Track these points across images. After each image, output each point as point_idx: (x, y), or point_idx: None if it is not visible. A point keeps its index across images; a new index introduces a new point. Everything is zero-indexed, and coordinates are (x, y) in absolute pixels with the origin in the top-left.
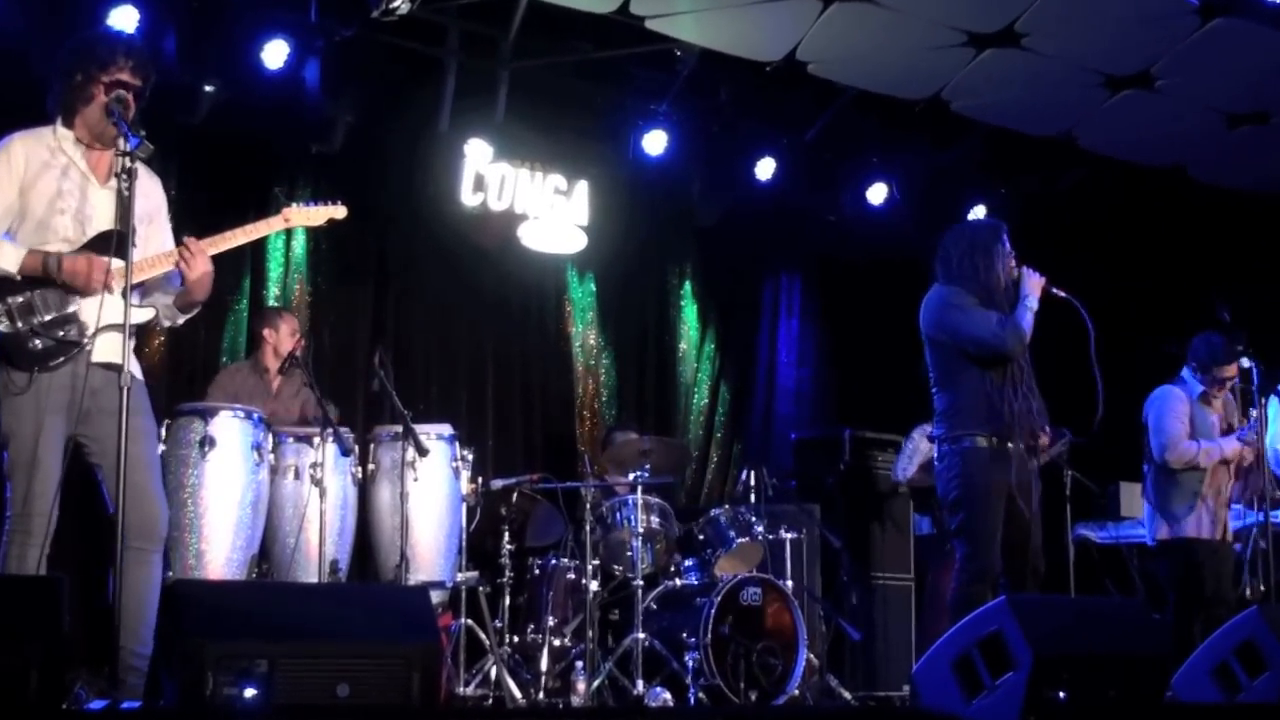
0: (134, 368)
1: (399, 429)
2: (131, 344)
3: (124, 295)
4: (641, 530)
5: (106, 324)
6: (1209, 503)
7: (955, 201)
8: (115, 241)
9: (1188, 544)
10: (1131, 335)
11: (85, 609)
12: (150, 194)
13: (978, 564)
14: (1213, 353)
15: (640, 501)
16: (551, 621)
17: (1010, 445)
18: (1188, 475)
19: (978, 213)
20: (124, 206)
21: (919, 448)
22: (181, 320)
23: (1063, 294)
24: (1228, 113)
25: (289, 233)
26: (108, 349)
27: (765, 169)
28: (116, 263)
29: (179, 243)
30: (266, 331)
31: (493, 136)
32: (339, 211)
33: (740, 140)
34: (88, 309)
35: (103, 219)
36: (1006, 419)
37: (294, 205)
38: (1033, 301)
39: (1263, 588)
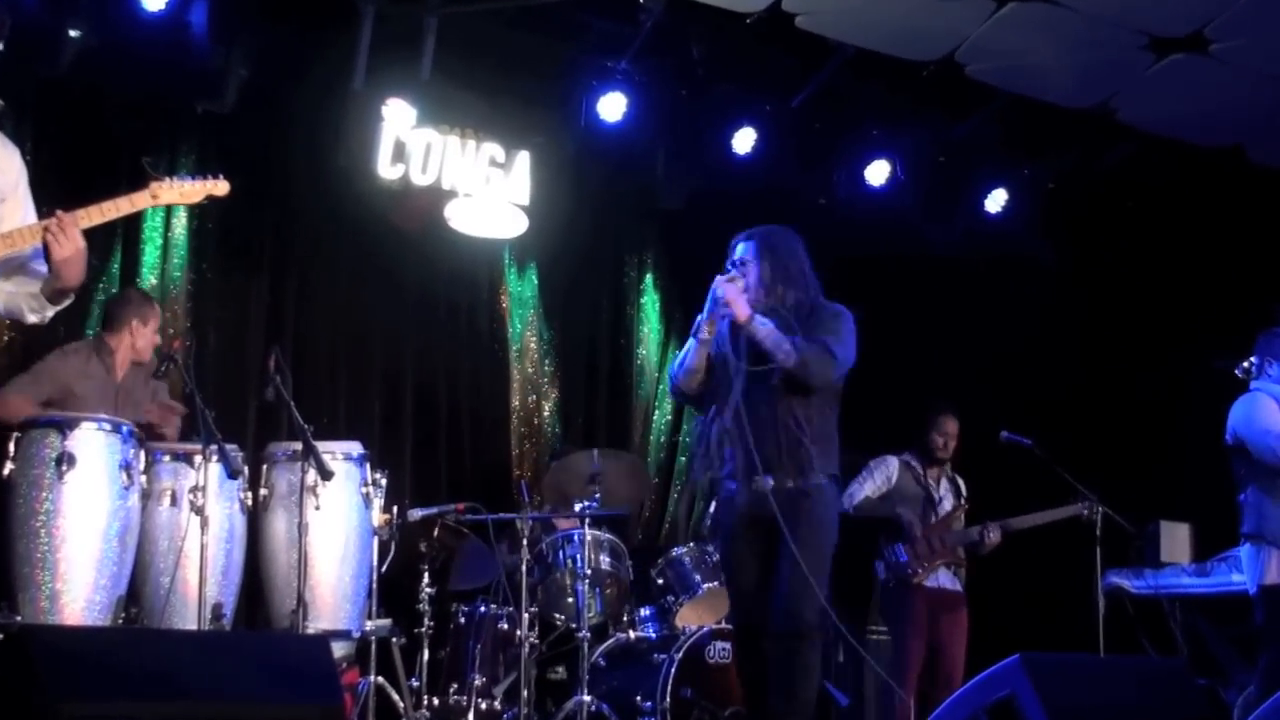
0: None
1: (297, 447)
2: None
3: None
4: (589, 572)
5: None
6: None
7: (969, 184)
8: None
9: None
10: (1180, 344)
11: None
12: (6, 169)
13: (731, 613)
14: None
15: (588, 538)
16: (479, 680)
17: (731, 484)
18: None
19: (997, 198)
20: None
21: (873, 473)
22: (50, 314)
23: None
24: None
25: (168, 209)
26: None
27: (744, 141)
28: None
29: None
30: (135, 322)
31: (416, 97)
32: (220, 188)
33: (714, 106)
34: None
35: None
36: (712, 455)
37: (166, 180)
38: (702, 328)
39: None
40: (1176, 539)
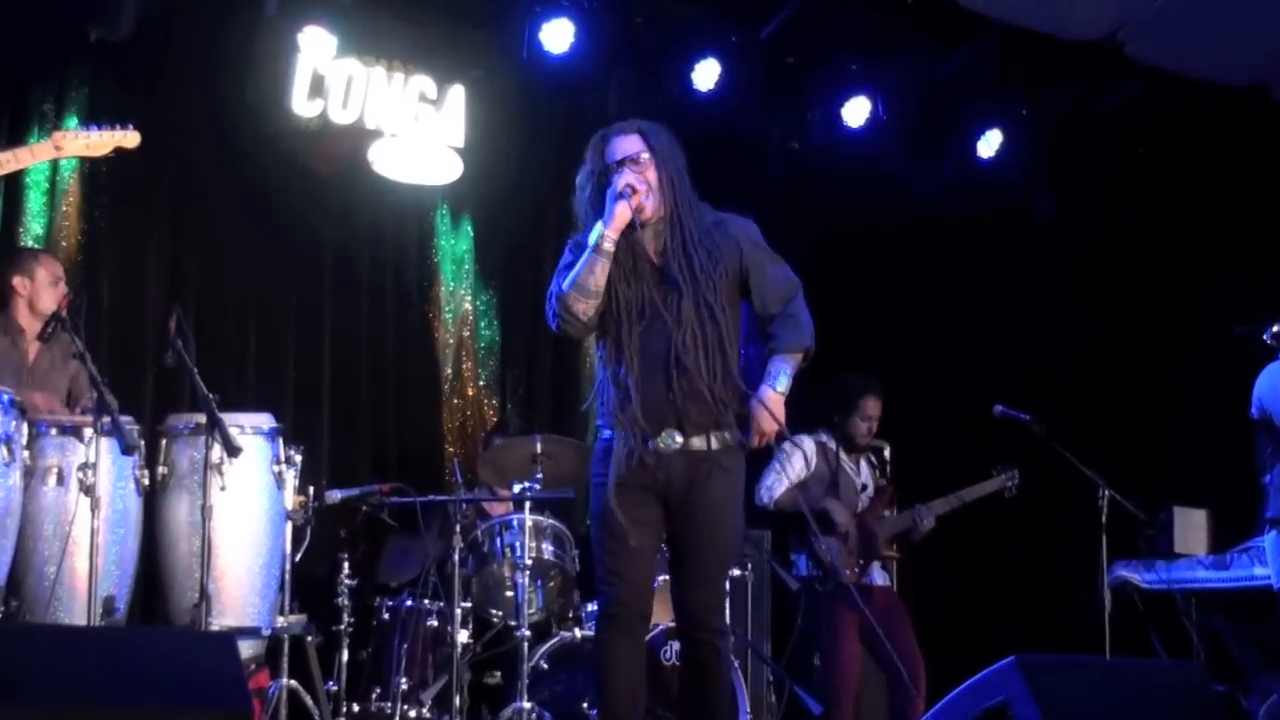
0: None
1: (201, 419)
2: None
3: None
4: (529, 562)
5: None
6: None
7: (960, 124)
8: None
9: None
10: (1198, 307)
11: None
12: None
13: (601, 599)
14: None
15: (529, 524)
16: (405, 684)
17: (638, 440)
18: None
19: (991, 141)
20: None
21: (790, 459)
22: None
23: (622, 192)
24: None
25: None
26: None
27: (706, 75)
28: None
29: None
30: (17, 280)
31: (337, 23)
32: (130, 139)
33: (673, 36)
34: None
35: None
36: (618, 406)
37: (69, 130)
38: (604, 227)
39: None
40: (1192, 527)
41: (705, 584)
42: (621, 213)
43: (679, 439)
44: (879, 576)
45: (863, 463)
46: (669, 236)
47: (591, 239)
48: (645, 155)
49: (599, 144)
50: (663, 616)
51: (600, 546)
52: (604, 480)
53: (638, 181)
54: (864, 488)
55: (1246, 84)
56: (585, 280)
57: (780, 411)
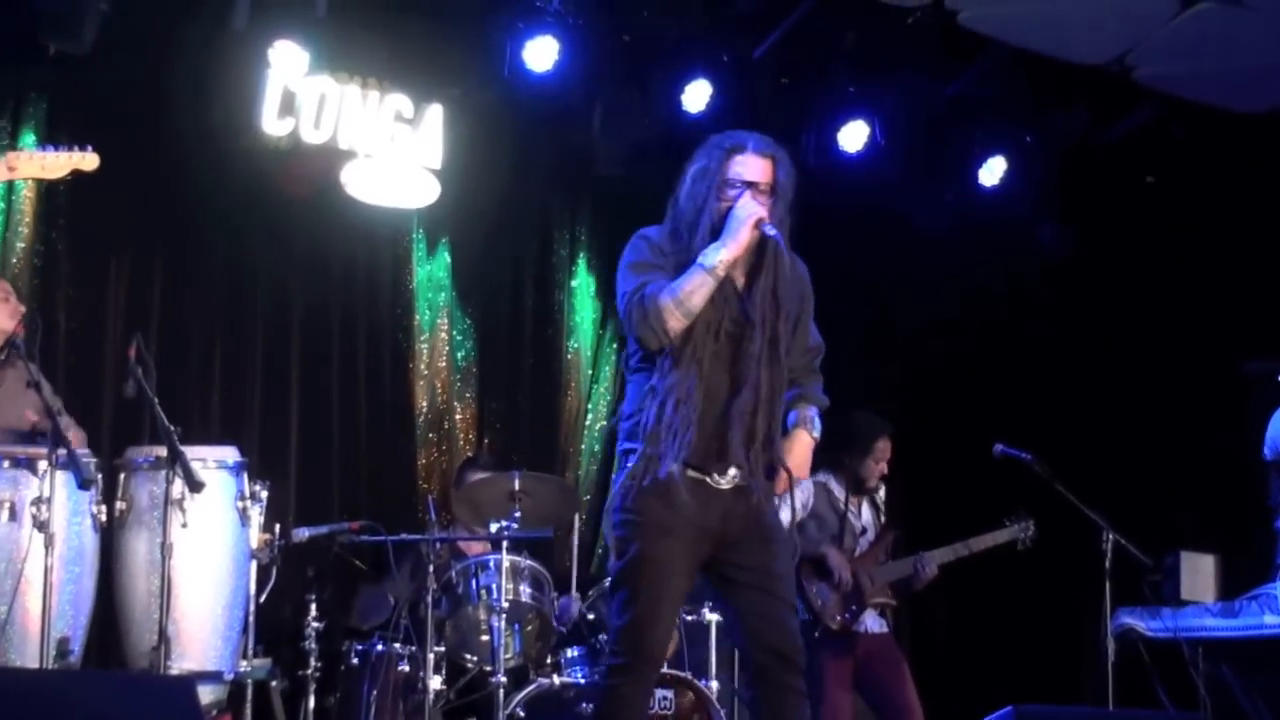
0: None
1: (162, 452)
2: None
3: None
4: (506, 605)
5: None
6: None
7: (961, 150)
8: None
9: None
10: (1208, 344)
11: None
12: None
13: (625, 646)
14: None
15: (505, 564)
16: None
17: (693, 473)
18: None
19: (993, 168)
20: None
21: (785, 498)
22: None
23: (772, 232)
24: None
25: None
26: None
27: (696, 96)
28: None
29: None
30: None
31: (309, 38)
32: (88, 161)
33: (662, 55)
34: None
35: None
36: (666, 430)
37: (23, 150)
38: (725, 251)
39: None
40: (1199, 573)
41: (794, 612)
42: (746, 241)
43: (735, 474)
44: (874, 623)
45: (864, 505)
46: (761, 270)
47: (710, 260)
48: (770, 185)
49: (728, 147)
50: None
51: (637, 592)
52: (646, 520)
53: (764, 212)
54: (863, 531)
55: (1260, 111)
56: (691, 299)
57: (810, 458)
